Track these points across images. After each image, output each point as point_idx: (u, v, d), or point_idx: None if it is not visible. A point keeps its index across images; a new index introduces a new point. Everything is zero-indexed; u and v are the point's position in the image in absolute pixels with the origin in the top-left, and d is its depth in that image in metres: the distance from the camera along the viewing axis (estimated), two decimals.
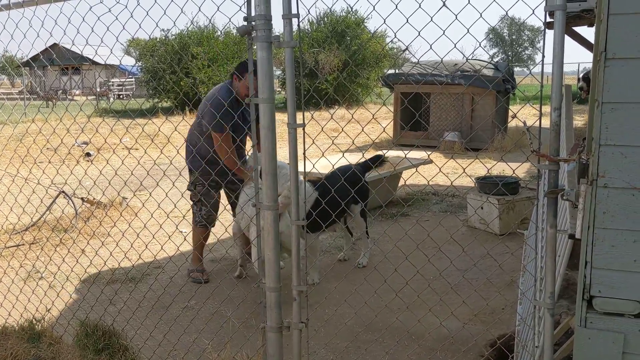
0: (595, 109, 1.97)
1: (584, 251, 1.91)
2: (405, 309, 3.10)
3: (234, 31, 21.22)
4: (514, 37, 64.88)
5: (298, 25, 2.23)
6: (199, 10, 2.36)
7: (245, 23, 2.24)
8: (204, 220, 4.21)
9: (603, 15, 1.82)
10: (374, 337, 3.18)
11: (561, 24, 1.89)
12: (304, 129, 2.31)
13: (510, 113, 10.56)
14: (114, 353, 2.86)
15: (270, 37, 2.23)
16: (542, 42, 2.04)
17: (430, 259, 2.58)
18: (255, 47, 2.26)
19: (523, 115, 14.86)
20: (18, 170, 4.17)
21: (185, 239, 3.70)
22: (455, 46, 2.03)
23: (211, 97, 3.99)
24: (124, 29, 2.67)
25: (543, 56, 1.95)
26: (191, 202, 4.29)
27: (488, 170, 2.41)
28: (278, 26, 2.27)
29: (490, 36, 63.82)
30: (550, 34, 2.01)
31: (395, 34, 2.18)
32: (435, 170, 7.47)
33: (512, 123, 12.45)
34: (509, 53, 63.05)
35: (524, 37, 64.52)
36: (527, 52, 64.29)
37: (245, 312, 3.51)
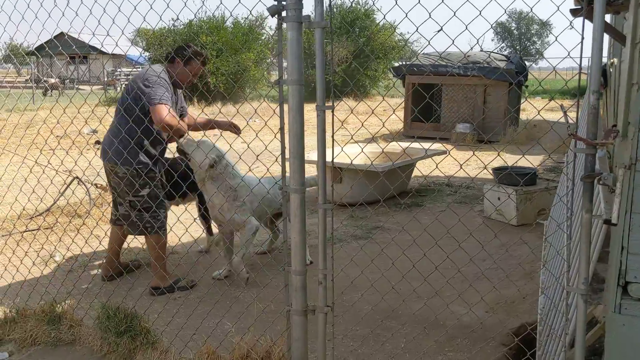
0: (633, 92, 1.93)
1: (620, 236, 1.89)
2: (432, 296, 3.08)
3: (242, 21, 21.11)
4: (523, 30, 64.47)
5: (330, 4, 2.20)
6: None
7: (276, 3, 2.21)
8: (164, 225, 3.69)
9: None
10: (395, 325, 3.17)
11: (602, 5, 1.85)
12: (332, 112, 2.28)
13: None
14: (136, 336, 2.86)
15: (301, 16, 2.19)
16: (551, 36, 2.02)
17: (460, 244, 2.55)
18: (285, 27, 2.24)
19: (531, 110, 14.76)
20: (37, 160, 4.17)
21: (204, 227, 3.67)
22: (483, 35, 2.00)
23: (147, 74, 3.51)
24: (135, 9, 2.64)
25: (582, 38, 1.92)
26: (133, 211, 3.59)
27: (523, 156, 2.37)
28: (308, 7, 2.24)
29: (498, 30, 63.42)
30: (578, 20, 1.98)
31: (417, 28, 2.17)
32: (448, 161, 7.44)
33: (522, 116, 12.38)
34: (517, 47, 62.67)
35: (532, 31, 64.11)
36: (535, 46, 63.89)
37: (267, 297, 3.51)
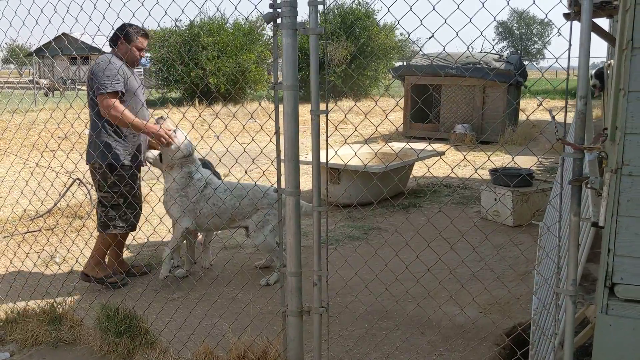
0: (620, 97, 1.97)
1: (606, 239, 1.93)
2: (425, 297, 3.12)
3: (243, 22, 21.16)
4: (523, 30, 64.45)
5: (324, 11, 2.24)
6: None
7: (271, 10, 2.26)
8: (130, 223, 3.75)
9: (629, 5, 1.82)
10: (390, 325, 3.21)
11: (588, 11, 1.89)
12: (327, 116, 2.33)
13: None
14: (135, 336, 2.90)
15: (296, 24, 2.24)
16: (551, 35, 2.06)
17: (452, 246, 2.60)
18: (280, 34, 2.28)
19: (531, 110, 14.79)
20: (38, 162, 4.22)
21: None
22: (476, 39, 2.04)
23: (95, 65, 3.54)
24: (133, 15, 2.69)
25: (570, 44, 1.96)
26: (102, 207, 3.68)
27: (512, 159, 2.41)
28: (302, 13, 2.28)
29: (500, 29, 63.44)
30: (573, 23, 2.02)
31: (409, 34, 2.21)
32: (447, 161, 7.48)
33: (522, 117, 12.40)
34: (518, 47, 62.64)
35: (533, 31, 64.10)
36: (536, 46, 63.89)
37: (263, 298, 3.55)
